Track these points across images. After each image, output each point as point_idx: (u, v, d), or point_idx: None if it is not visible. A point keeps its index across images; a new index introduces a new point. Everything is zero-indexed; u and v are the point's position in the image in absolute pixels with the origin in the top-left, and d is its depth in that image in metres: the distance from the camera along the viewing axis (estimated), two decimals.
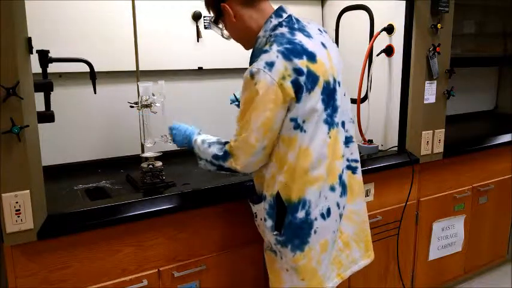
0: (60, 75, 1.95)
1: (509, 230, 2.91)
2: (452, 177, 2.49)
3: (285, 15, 1.42)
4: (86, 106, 2.04)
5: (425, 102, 2.21)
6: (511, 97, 3.53)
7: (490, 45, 3.19)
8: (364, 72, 2.25)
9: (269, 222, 1.45)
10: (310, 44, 1.37)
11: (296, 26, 1.42)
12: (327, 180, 1.43)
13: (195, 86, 2.33)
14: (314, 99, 1.36)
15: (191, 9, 2.23)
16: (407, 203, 2.25)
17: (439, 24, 2.12)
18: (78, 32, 1.95)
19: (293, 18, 1.44)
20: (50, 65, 1.61)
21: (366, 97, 2.33)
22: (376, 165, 2.08)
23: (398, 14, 2.18)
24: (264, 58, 1.31)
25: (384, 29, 2.23)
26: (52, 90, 1.58)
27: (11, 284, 1.36)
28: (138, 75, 1.87)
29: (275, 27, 1.40)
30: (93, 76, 1.72)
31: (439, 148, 2.32)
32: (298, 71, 1.31)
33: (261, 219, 1.50)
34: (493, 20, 3.17)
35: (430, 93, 2.22)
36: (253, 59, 1.42)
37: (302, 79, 1.32)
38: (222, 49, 2.33)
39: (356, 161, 1.57)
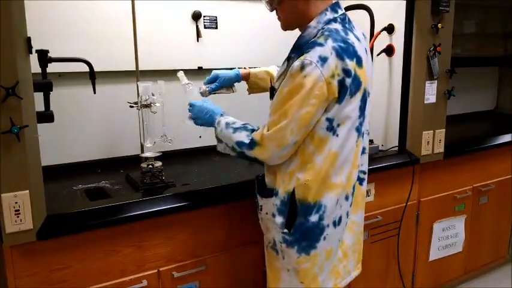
0: (60, 75, 1.94)
1: (510, 230, 2.91)
2: (453, 177, 2.48)
3: (340, 12, 1.39)
4: (85, 106, 2.03)
5: (425, 102, 2.21)
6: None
7: (491, 45, 3.19)
8: None
9: (279, 219, 1.42)
10: (359, 47, 1.35)
11: (347, 25, 1.38)
12: (345, 188, 1.41)
13: (195, 85, 2.33)
14: (353, 105, 1.34)
15: (191, 9, 2.23)
16: (408, 203, 2.24)
17: (439, 24, 2.12)
18: (78, 32, 1.95)
19: (347, 17, 1.40)
20: (49, 64, 1.61)
21: None
22: (376, 166, 2.08)
23: (398, 14, 2.18)
24: (318, 51, 1.26)
25: (385, 29, 2.22)
26: (51, 90, 1.58)
27: (10, 285, 1.36)
28: (137, 75, 1.87)
29: (329, 21, 1.35)
30: (92, 76, 1.72)
31: (440, 148, 2.32)
32: (347, 72, 1.28)
33: (267, 214, 1.48)
34: (494, 20, 3.17)
35: (431, 93, 2.22)
36: (300, 49, 1.35)
37: (348, 81, 1.29)
38: (222, 49, 2.35)
39: (364, 172, 1.55)
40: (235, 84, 1.81)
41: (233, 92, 1.80)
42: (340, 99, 1.30)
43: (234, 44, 2.38)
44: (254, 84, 1.82)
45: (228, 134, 1.44)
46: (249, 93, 1.86)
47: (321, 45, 1.28)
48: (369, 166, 1.60)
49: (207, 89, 1.72)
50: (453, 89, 2.28)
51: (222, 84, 1.75)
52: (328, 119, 1.32)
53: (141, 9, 1.96)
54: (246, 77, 1.80)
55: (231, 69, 1.81)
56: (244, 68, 1.82)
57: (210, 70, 2.31)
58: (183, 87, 1.67)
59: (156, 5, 2.11)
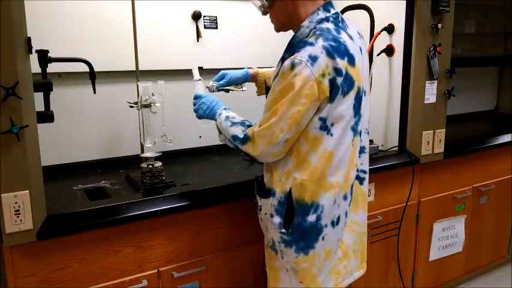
0: (60, 75, 1.94)
1: (510, 230, 2.91)
2: (453, 177, 2.49)
3: (332, 11, 1.39)
4: (85, 106, 2.03)
5: (425, 102, 2.21)
6: None
7: (491, 45, 3.19)
8: None
9: (277, 219, 1.43)
10: (351, 46, 1.35)
11: (340, 24, 1.38)
12: (343, 188, 1.41)
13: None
14: (346, 104, 1.33)
15: (191, 9, 2.23)
16: (408, 203, 2.24)
17: (439, 24, 2.12)
18: (78, 32, 1.95)
19: (339, 16, 1.40)
20: (49, 64, 1.61)
21: None
22: (376, 166, 2.08)
23: (398, 14, 2.18)
24: (309, 50, 1.27)
25: (384, 29, 2.22)
26: (51, 90, 1.58)
27: (10, 285, 1.36)
28: (137, 75, 1.87)
29: (321, 21, 1.36)
30: (92, 76, 1.72)
31: (440, 148, 2.32)
32: (337, 71, 1.29)
33: (266, 214, 1.49)
34: (494, 20, 3.17)
35: (431, 93, 2.22)
36: (292, 48, 1.36)
37: (339, 80, 1.29)
38: (222, 49, 2.35)
39: (365, 172, 1.54)
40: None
41: (242, 89, 1.80)
42: (331, 98, 1.30)
43: (234, 44, 2.38)
44: (262, 84, 1.82)
45: (226, 127, 1.48)
46: (258, 95, 1.86)
47: (311, 44, 1.29)
48: (369, 166, 1.59)
49: (215, 84, 1.73)
50: (453, 89, 2.28)
51: (230, 82, 1.76)
52: (320, 119, 1.32)
53: (141, 9, 1.96)
54: (254, 77, 1.81)
55: (240, 69, 1.81)
56: (252, 68, 1.83)
57: (211, 70, 2.33)
58: (193, 83, 1.68)
59: (156, 5, 2.11)
